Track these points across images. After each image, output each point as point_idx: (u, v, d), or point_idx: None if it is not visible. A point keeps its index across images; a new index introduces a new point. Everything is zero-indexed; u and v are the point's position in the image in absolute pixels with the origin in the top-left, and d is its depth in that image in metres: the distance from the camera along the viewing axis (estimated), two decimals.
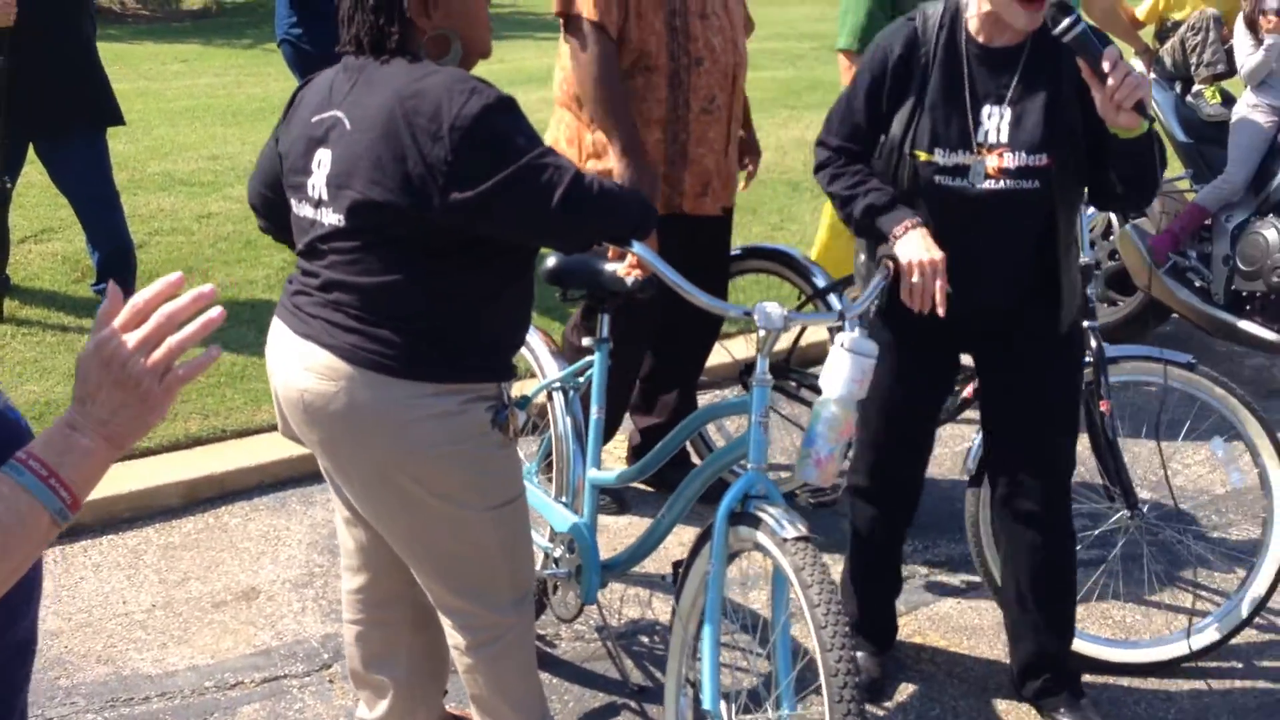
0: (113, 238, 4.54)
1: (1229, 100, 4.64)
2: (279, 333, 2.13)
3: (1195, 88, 4.69)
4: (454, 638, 2.23)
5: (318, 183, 2.03)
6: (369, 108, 1.97)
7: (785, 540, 2.04)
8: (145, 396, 1.07)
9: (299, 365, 2.05)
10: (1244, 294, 4.44)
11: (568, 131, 3.31)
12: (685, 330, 3.52)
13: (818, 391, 3.37)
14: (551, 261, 2.58)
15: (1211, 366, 4.68)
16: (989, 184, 2.35)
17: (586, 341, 2.68)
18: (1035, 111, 2.34)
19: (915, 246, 2.32)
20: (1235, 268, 4.46)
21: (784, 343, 3.81)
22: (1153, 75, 4.80)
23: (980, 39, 2.38)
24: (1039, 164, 2.34)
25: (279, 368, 2.11)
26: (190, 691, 2.73)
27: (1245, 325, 4.44)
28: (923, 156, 2.38)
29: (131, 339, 1.07)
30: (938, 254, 2.31)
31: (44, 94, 4.21)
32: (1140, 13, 4.90)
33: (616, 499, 3.62)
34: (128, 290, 4.50)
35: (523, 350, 2.97)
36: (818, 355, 3.59)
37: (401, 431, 2.01)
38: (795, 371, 3.62)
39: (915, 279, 2.31)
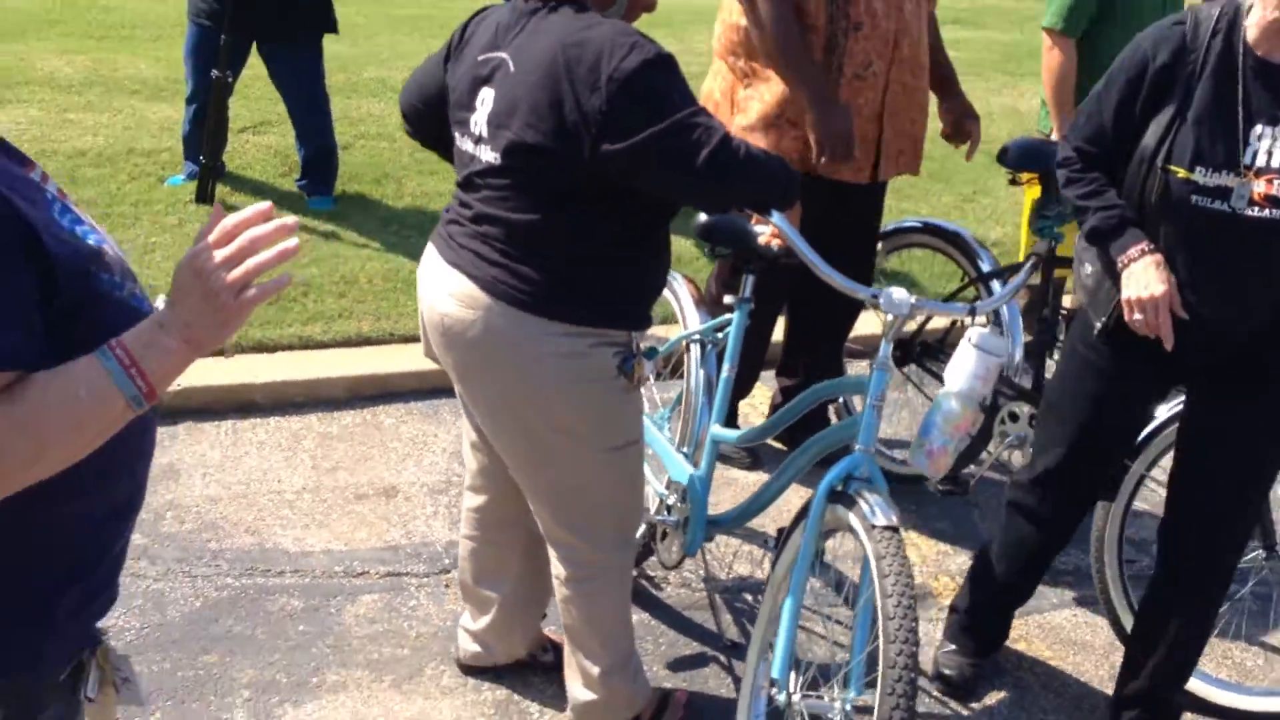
0: (318, 137, 4.82)
1: None
2: (430, 257, 2.25)
3: None
4: (557, 568, 2.35)
5: (479, 119, 2.13)
6: (533, 52, 2.06)
7: (874, 527, 2.06)
8: (223, 307, 1.17)
9: (444, 290, 2.18)
10: None
11: (722, 84, 3.33)
12: (829, 295, 3.51)
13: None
14: (703, 217, 2.63)
15: None
16: (1253, 210, 2.16)
17: (728, 299, 2.73)
18: None
19: (1140, 281, 2.19)
20: None
21: (943, 324, 3.78)
22: None
23: (1260, 51, 2.17)
24: None
25: (427, 290, 2.24)
26: (321, 573, 2.94)
27: None
28: (1180, 173, 2.19)
29: (219, 254, 1.17)
30: (1162, 287, 2.19)
31: (268, 1, 4.47)
32: None
33: (751, 454, 3.67)
34: (325, 188, 4.77)
35: (668, 297, 3.05)
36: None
37: (529, 365, 2.12)
38: (942, 352, 3.57)
39: (1138, 317, 2.20)
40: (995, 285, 3.41)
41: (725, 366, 2.71)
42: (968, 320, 2.32)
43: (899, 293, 2.20)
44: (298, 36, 4.61)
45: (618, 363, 2.17)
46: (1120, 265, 2.23)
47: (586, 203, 2.08)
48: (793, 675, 2.11)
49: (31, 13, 7.84)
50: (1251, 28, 2.18)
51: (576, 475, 2.25)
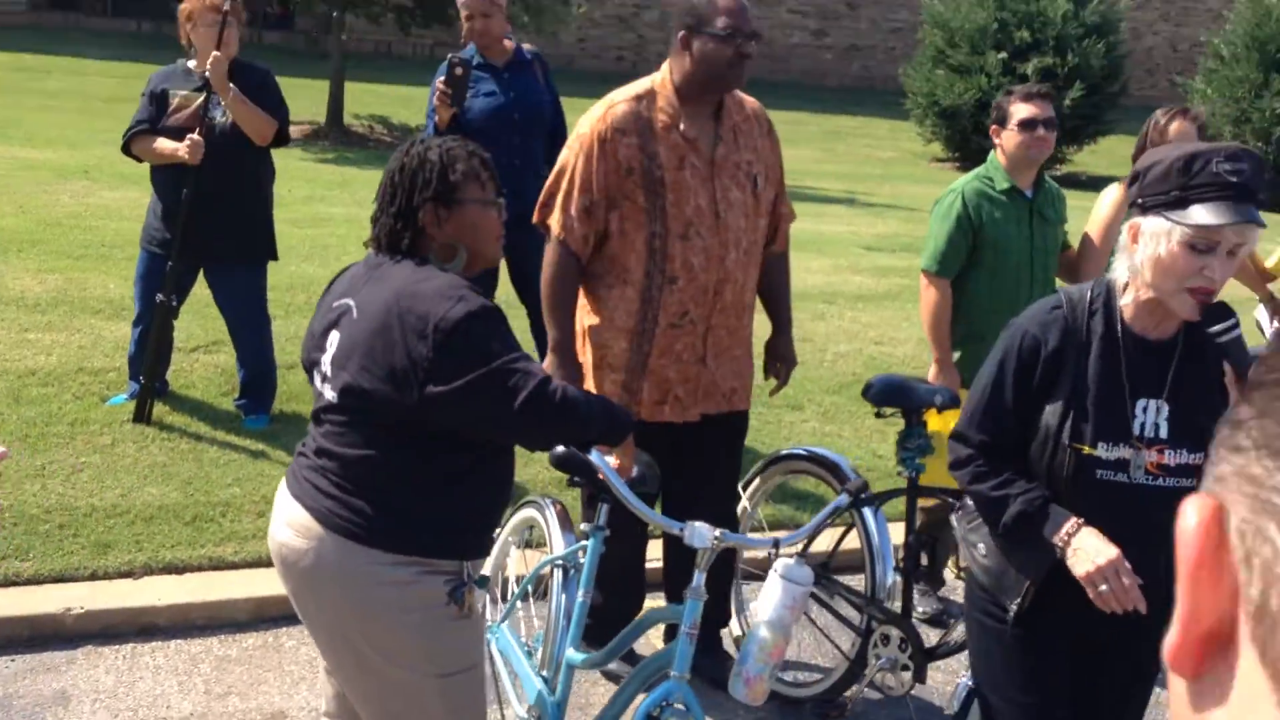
0: (256, 358, 5.06)
1: None
2: (280, 488, 2.43)
3: None
4: None
5: (326, 360, 2.34)
6: (374, 300, 2.28)
7: None
8: None
9: (284, 519, 2.34)
10: None
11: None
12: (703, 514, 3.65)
13: (857, 598, 3.47)
14: (559, 449, 2.82)
15: None
16: (1147, 480, 2.26)
17: (583, 527, 2.88)
18: (1192, 408, 2.28)
19: (1090, 552, 2.20)
20: None
21: (827, 544, 3.91)
22: (1277, 324, 4.72)
23: (1136, 329, 2.30)
24: (1197, 463, 2.26)
25: (273, 519, 2.41)
26: None
27: None
28: (1086, 449, 2.27)
29: None
30: (1113, 550, 2.20)
31: (216, 229, 4.79)
32: (1270, 263, 4.84)
33: None
34: (262, 409, 4.94)
35: (538, 520, 3.21)
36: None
37: (358, 594, 2.26)
38: (829, 580, 3.70)
39: (1104, 588, 2.19)
40: (867, 511, 3.57)
41: (580, 592, 2.84)
42: (772, 553, 2.47)
43: (702, 526, 2.37)
44: (237, 263, 4.91)
45: (448, 591, 2.31)
46: (1061, 544, 2.24)
47: (417, 440, 2.27)
48: None
49: (15, 231, 8.25)
50: (1126, 307, 2.31)
51: (410, 703, 2.35)
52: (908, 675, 3.39)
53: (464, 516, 2.35)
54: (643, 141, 3.26)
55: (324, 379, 2.35)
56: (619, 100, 3.32)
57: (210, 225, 4.76)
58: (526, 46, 5.14)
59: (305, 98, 14.52)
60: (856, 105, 19.49)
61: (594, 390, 3.40)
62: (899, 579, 3.48)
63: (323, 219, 8.44)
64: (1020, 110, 4.01)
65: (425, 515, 2.29)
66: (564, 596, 2.94)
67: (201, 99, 4.68)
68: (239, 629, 3.80)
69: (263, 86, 4.76)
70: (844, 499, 2.56)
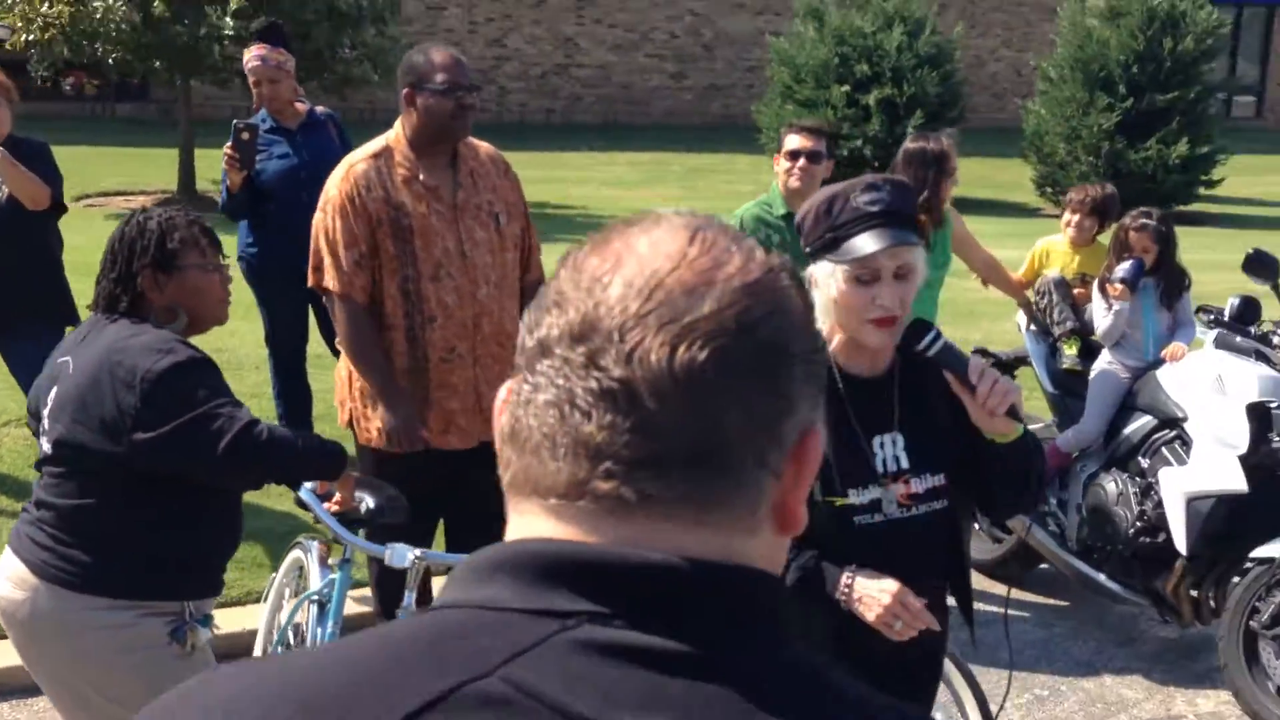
0: None
1: (1093, 352, 4.87)
2: (5, 543, 2.55)
3: (1055, 343, 4.93)
4: None
5: (45, 414, 2.47)
6: (88, 356, 2.43)
7: None
8: None
9: (4, 575, 2.46)
10: (1089, 543, 4.59)
11: None
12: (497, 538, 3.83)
13: None
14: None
15: (1082, 609, 4.82)
16: (901, 513, 2.30)
17: (331, 561, 3.04)
18: (924, 432, 2.33)
19: (872, 594, 2.20)
20: (1083, 517, 4.62)
21: None
22: (1031, 328, 5.06)
23: (851, 370, 2.33)
24: (941, 484, 2.33)
25: None
26: None
27: (1098, 576, 4.57)
28: (838, 502, 2.28)
29: None
30: (893, 583, 2.20)
31: (6, 299, 4.84)
32: (1019, 273, 5.20)
33: None
34: None
35: (304, 559, 3.35)
36: None
37: (76, 641, 2.39)
38: None
39: (898, 625, 2.19)
40: None
41: (329, 625, 2.99)
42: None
43: (402, 547, 2.55)
44: (29, 329, 4.95)
45: (169, 631, 2.45)
46: (843, 596, 2.23)
47: (129, 487, 2.41)
48: None
49: None
50: (836, 351, 2.34)
51: None
52: None
53: (182, 558, 2.49)
54: (386, 194, 3.48)
55: (41, 432, 2.48)
56: (358, 159, 3.53)
57: (1, 296, 4.81)
58: (320, 109, 5.31)
59: (158, 166, 14.51)
60: (718, 143, 19.98)
61: (383, 425, 3.58)
62: None
63: None
64: (789, 142, 4.30)
65: (140, 559, 2.42)
66: (319, 629, 3.08)
67: None
68: None
69: (37, 157, 4.85)
70: None
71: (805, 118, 4.52)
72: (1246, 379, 4.17)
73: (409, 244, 3.48)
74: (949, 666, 3.07)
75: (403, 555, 2.51)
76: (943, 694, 3.22)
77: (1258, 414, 4.10)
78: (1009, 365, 5.18)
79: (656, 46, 21.95)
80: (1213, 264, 11.60)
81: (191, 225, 2.55)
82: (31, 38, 11.53)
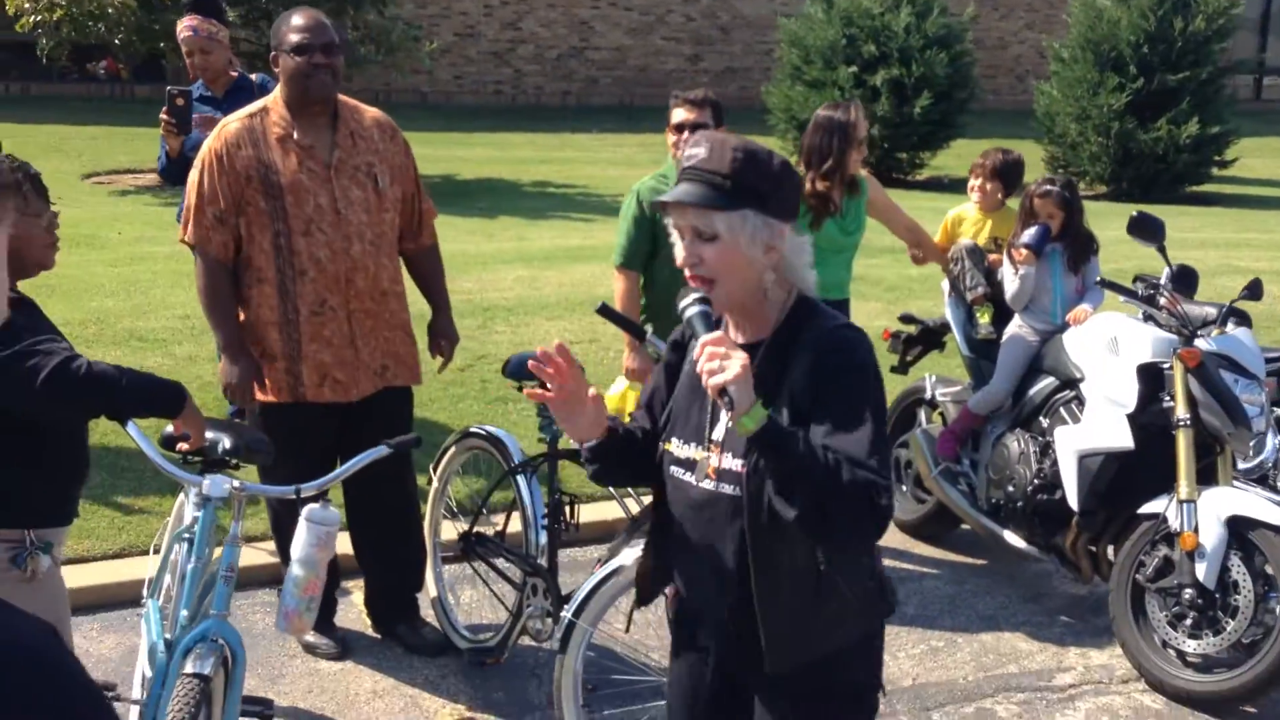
0: None
1: (1007, 317, 4.92)
2: None
3: (971, 309, 4.99)
4: None
5: None
6: None
7: (183, 674, 2.48)
8: None
9: None
10: (996, 502, 4.66)
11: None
12: (381, 488, 3.96)
13: (523, 564, 3.78)
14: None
15: (996, 567, 4.90)
16: (706, 483, 2.16)
17: (194, 498, 3.18)
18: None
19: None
20: (990, 477, 4.69)
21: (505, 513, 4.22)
22: (951, 294, 5.12)
23: (733, 331, 2.19)
24: (738, 469, 2.10)
25: None
26: None
27: (1003, 533, 4.64)
28: (665, 446, 2.23)
29: None
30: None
31: None
32: (935, 241, 5.25)
33: (341, 643, 4.06)
34: None
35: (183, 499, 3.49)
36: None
37: None
38: (492, 542, 4.02)
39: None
40: (521, 478, 3.89)
41: (192, 560, 3.13)
42: (302, 499, 2.78)
43: (219, 477, 2.68)
44: None
45: (9, 557, 2.60)
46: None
47: None
48: None
49: None
50: None
51: None
52: (551, 621, 3.71)
53: (22, 489, 2.63)
54: (258, 152, 3.61)
55: None
56: (233, 119, 3.69)
57: None
58: (255, 75, 5.45)
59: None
60: (733, 124, 19.96)
61: (266, 378, 3.73)
62: (545, 536, 3.82)
63: (143, 257, 8.69)
64: (675, 115, 4.38)
65: None
66: (188, 565, 3.23)
67: None
68: None
69: None
70: (383, 449, 2.89)
71: (690, 91, 4.54)
72: (1140, 340, 4.22)
73: (279, 200, 3.61)
74: None
75: (219, 485, 2.65)
76: None
77: (1149, 374, 4.15)
78: (935, 332, 5.26)
79: (672, 29, 21.98)
80: (1210, 242, 11.57)
81: (15, 171, 2.67)
82: (39, 19, 11.81)
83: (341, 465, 3.93)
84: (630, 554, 3.32)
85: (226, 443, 3.04)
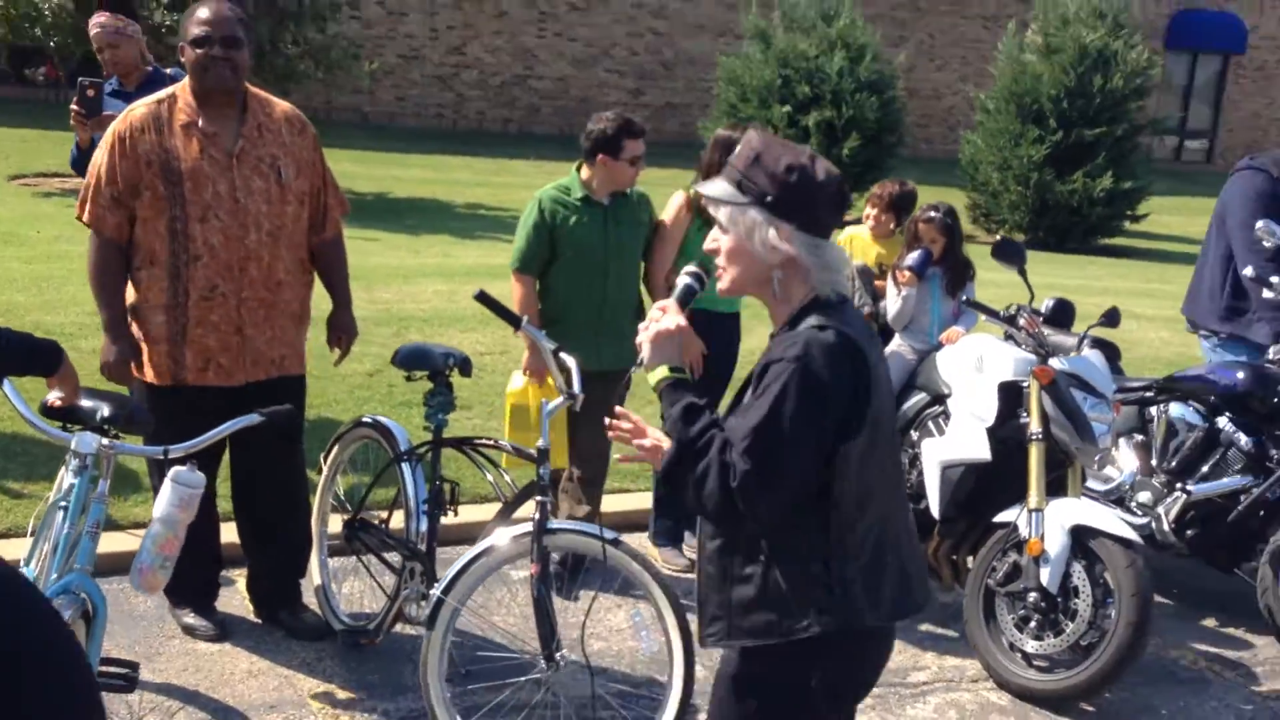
0: None
1: (889, 339, 5.16)
2: None
3: None
4: None
5: None
6: None
7: None
8: None
9: None
10: None
11: None
12: (269, 474, 4.08)
13: (403, 549, 3.89)
14: None
15: None
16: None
17: (72, 467, 3.27)
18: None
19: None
20: None
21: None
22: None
23: None
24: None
25: None
26: None
27: None
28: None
29: None
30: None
31: None
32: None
33: (220, 626, 4.15)
34: None
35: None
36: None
37: None
38: (375, 529, 4.14)
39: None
40: (405, 466, 4.02)
41: (66, 524, 3.21)
42: (169, 462, 2.90)
43: (89, 435, 2.80)
44: None
45: None
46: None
47: None
48: None
49: None
50: None
51: None
52: (426, 605, 3.84)
53: None
54: (160, 138, 3.73)
55: None
56: (140, 104, 3.81)
57: None
58: (170, 70, 5.56)
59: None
60: (669, 159, 20.29)
61: (150, 361, 3.83)
62: (425, 521, 3.95)
63: (59, 255, 8.72)
64: (633, 147, 4.51)
65: None
66: (62, 530, 3.31)
67: None
68: None
69: None
70: (254, 416, 3.02)
71: (632, 117, 4.73)
72: (1003, 360, 4.47)
73: (178, 186, 3.71)
74: (649, 580, 3.35)
75: (88, 442, 2.77)
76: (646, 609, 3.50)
77: (1009, 392, 4.40)
78: None
79: (616, 63, 22.33)
80: (1113, 290, 12.01)
81: None
82: None
83: (229, 448, 4.08)
84: (503, 534, 3.48)
85: (105, 410, 3.14)
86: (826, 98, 15.96)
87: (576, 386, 3.68)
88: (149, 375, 3.85)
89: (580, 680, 3.56)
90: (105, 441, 2.80)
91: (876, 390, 2.21)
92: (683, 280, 2.39)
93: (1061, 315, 5.56)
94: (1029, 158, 15.70)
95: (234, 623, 4.25)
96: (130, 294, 3.85)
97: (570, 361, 3.75)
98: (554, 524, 3.45)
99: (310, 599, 4.31)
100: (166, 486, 2.81)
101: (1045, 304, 5.36)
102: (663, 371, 2.25)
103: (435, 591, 3.46)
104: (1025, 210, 15.87)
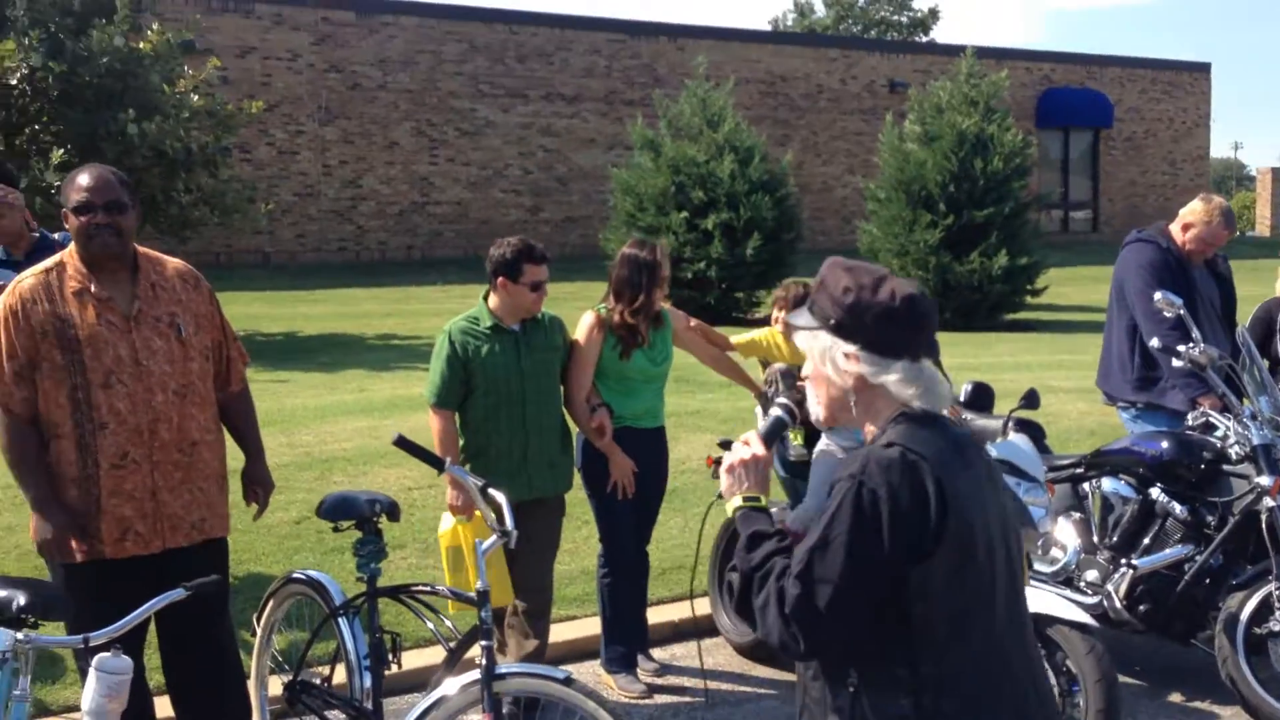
0: None
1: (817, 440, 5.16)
2: None
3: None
4: None
5: None
6: None
7: None
8: None
9: None
10: None
11: None
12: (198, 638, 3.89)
13: (348, 709, 3.72)
14: None
15: None
16: None
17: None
18: None
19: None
20: None
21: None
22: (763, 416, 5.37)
23: None
24: None
25: None
26: None
27: None
28: None
29: None
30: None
31: None
32: (737, 340, 5.49)
33: None
34: None
35: None
36: None
37: None
38: (317, 689, 3.97)
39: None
40: (342, 621, 3.88)
41: None
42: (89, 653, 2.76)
43: (2, 631, 2.65)
44: None
45: None
46: None
47: None
48: None
49: None
50: None
51: None
52: None
53: None
54: (53, 307, 3.61)
55: None
56: (27, 275, 3.70)
57: None
58: (58, 234, 5.43)
59: None
60: (577, 271, 20.47)
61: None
62: (369, 677, 3.80)
63: None
64: (535, 272, 4.53)
65: None
66: None
67: None
68: None
69: None
70: (179, 592, 2.89)
71: (534, 243, 4.75)
72: None
73: (77, 354, 3.59)
74: (605, 716, 3.25)
75: (2, 638, 2.61)
76: None
77: None
78: None
79: (511, 182, 22.58)
80: (1026, 365, 12.28)
81: None
82: None
83: (155, 621, 3.89)
84: (453, 684, 3.36)
85: (21, 599, 2.99)
86: (722, 200, 16.26)
87: (509, 523, 3.59)
88: (39, 551, 3.67)
89: None
90: (20, 636, 2.64)
91: (960, 505, 2.08)
92: (774, 413, 2.40)
93: (981, 399, 5.64)
94: (924, 242, 16.12)
95: None
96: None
97: (500, 497, 3.66)
98: (502, 668, 3.34)
99: None
100: (92, 678, 2.65)
101: (964, 389, 5.43)
102: (737, 501, 2.25)
103: None
104: (929, 293, 16.20)
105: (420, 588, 3.82)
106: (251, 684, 4.17)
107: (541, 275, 4.57)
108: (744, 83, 23.78)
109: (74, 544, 3.61)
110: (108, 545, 3.66)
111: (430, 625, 3.83)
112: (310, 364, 11.84)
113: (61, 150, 11.56)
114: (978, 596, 2.11)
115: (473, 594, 3.46)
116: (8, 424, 3.63)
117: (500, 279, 4.57)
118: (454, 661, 3.59)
